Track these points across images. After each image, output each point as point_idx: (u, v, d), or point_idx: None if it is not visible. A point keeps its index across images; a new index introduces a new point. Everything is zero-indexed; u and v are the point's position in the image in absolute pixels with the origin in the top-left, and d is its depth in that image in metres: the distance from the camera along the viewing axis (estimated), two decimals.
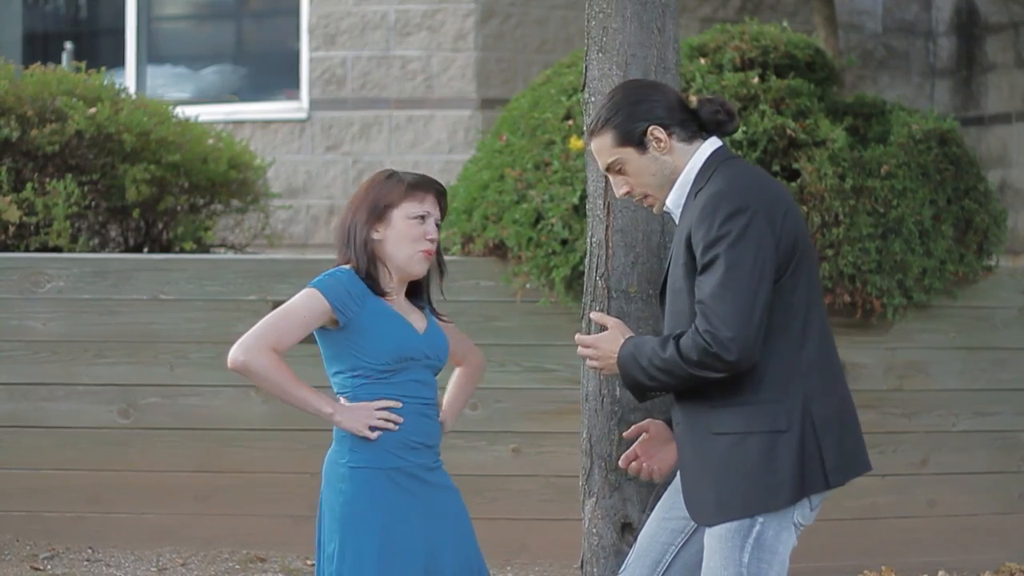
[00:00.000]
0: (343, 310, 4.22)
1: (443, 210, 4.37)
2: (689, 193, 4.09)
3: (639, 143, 4.10)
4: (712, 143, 4.14)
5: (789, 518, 4.00)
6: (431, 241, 4.29)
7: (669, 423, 4.31)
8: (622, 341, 4.09)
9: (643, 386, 4.06)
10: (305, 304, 4.23)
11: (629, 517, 4.78)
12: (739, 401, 3.97)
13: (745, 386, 3.96)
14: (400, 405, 4.25)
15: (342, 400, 4.28)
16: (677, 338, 3.97)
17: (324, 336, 4.29)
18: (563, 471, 6.77)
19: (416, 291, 4.40)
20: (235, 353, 4.20)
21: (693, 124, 4.14)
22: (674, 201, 4.13)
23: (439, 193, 4.34)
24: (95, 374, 7.13)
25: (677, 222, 4.15)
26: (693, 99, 4.24)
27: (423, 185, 4.31)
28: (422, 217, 4.28)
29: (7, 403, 7.15)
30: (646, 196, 4.16)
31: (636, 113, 4.10)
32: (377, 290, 4.27)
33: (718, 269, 3.91)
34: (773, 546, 3.99)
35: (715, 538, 4.00)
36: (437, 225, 4.33)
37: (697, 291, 3.95)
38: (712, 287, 3.91)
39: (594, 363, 4.17)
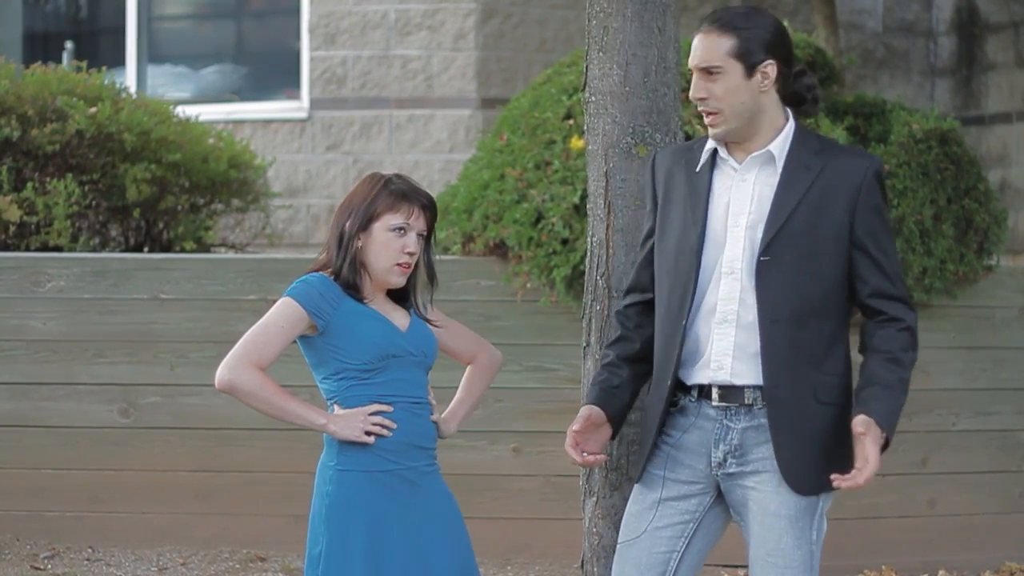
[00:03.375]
0: (319, 314, 4.20)
1: (430, 222, 4.30)
2: (796, 149, 4.02)
3: (750, 68, 4.00)
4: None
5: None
6: (409, 255, 4.24)
7: (601, 407, 4.21)
8: (872, 421, 3.94)
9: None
10: (281, 314, 4.22)
11: None
12: (842, 371, 4.01)
13: (843, 357, 4.02)
14: (392, 409, 4.23)
15: (335, 407, 4.27)
16: (902, 349, 3.97)
17: (306, 344, 4.27)
18: (563, 470, 6.75)
19: (401, 294, 4.36)
20: (220, 373, 4.19)
21: (789, 86, 4.09)
22: (778, 150, 4.02)
23: (424, 206, 4.27)
24: (95, 373, 7.13)
25: (772, 171, 4.02)
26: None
27: (407, 196, 4.25)
28: (401, 229, 4.23)
29: (7, 402, 7.15)
30: (718, 113, 4.03)
31: (766, 41, 4.01)
32: (356, 295, 4.26)
33: (893, 242, 4.05)
34: (824, 519, 4.06)
35: (785, 519, 3.96)
36: (422, 236, 4.28)
37: (881, 257, 3.99)
38: (892, 254, 4.02)
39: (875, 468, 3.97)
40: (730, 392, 4.03)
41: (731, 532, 4.25)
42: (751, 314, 3.99)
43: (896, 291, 4.00)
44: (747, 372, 4.00)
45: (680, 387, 4.11)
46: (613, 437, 4.30)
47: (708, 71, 4.02)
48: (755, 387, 4.00)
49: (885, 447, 3.99)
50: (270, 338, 4.21)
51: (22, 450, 7.16)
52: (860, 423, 3.91)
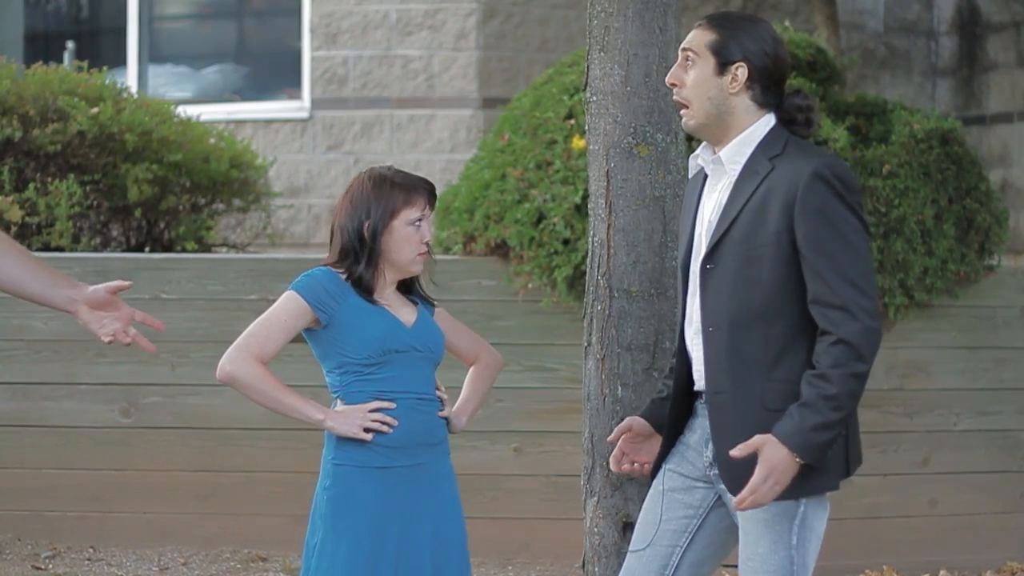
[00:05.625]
0: (323, 308, 4.24)
1: (433, 206, 4.39)
2: (756, 155, 4.01)
3: (722, 64, 4.04)
4: (773, 117, 4.07)
5: (825, 495, 3.99)
6: (427, 244, 4.33)
7: (647, 418, 4.27)
8: (777, 442, 3.85)
9: (830, 442, 3.88)
10: (284, 307, 4.26)
11: (631, 516, 4.78)
12: (793, 378, 3.91)
13: (799, 363, 3.91)
14: (394, 406, 4.24)
15: (338, 402, 4.29)
16: (830, 365, 3.82)
17: (311, 336, 4.30)
18: (565, 470, 6.77)
19: (408, 285, 4.40)
20: (221, 365, 4.24)
21: (773, 99, 4.07)
22: (729, 155, 4.03)
23: (430, 192, 4.37)
24: (96, 373, 7.13)
25: (730, 178, 4.03)
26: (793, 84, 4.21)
27: (416, 188, 4.33)
28: (418, 221, 4.31)
29: (9, 402, 7.15)
30: (688, 106, 4.06)
31: (745, 45, 4.04)
32: (363, 288, 4.28)
33: (852, 244, 3.86)
34: (813, 524, 3.99)
35: (760, 523, 3.96)
36: (428, 224, 4.37)
37: (821, 262, 3.86)
38: (852, 263, 3.85)
39: (778, 487, 3.85)
40: None
41: None
42: None
43: (834, 298, 3.84)
44: None
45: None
46: None
47: (686, 55, 4.07)
48: None
49: (813, 468, 3.85)
50: (272, 331, 4.25)
51: (23, 450, 7.16)
52: (752, 441, 3.84)
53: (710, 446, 4.06)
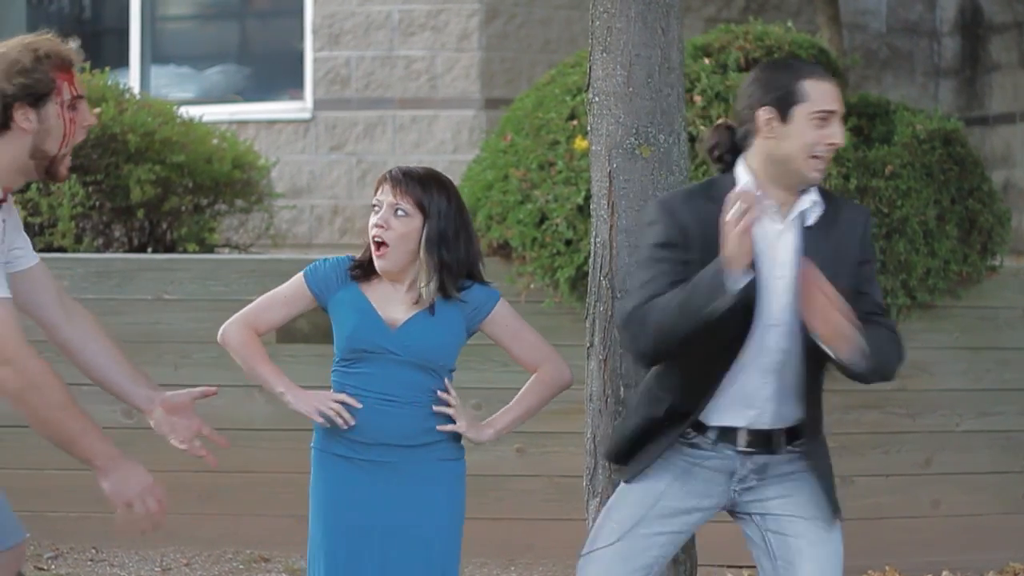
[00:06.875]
0: (319, 294, 4.33)
1: (410, 197, 4.24)
2: None
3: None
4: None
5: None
6: (377, 228, 4.25)
7: None
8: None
9: None
10: (289, 285, 4.38)
11: None
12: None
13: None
14: (360, 406, 4.27)
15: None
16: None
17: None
18: (567, 471, 6.77)
19: (440, 283, 4.34)
20: (221, 328, 4.39)
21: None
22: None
23: (388, 179, 4.27)
24: None
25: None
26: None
27: (384, 176, 4.31)
28: (374, 207, 4.30)
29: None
30: None
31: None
32: (364, 277, 4.32)
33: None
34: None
35: None
36: (402, 214, 4.25)
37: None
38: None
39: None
40: None
41: (732, 532, 4.25)
42: None
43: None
44: None
45: None
46: None
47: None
48: None
49: None
50: (271, 304, 4.37)
51: (25, 451, 7.16)
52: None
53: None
